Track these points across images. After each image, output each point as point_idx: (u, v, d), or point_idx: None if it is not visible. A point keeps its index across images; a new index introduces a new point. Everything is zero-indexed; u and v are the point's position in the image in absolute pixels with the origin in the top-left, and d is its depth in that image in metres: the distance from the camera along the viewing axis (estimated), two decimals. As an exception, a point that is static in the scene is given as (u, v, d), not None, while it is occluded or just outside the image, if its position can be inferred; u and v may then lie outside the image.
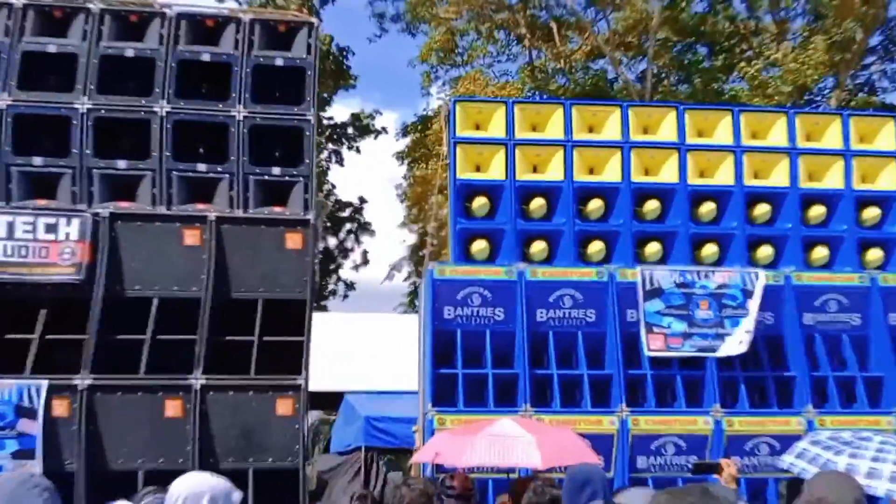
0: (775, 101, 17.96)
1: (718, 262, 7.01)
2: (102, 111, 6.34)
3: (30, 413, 5.56)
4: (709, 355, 6.52)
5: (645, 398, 6.42)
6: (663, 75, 22.83)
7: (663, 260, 6.99)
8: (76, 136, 6.25)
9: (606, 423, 6.16)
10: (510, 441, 4.73)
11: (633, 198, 7.02)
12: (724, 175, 7.16)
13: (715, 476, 5.43)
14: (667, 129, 7.20)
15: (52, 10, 6.55)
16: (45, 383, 5.63)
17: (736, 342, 6.54)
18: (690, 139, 7.19)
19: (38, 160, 6.22)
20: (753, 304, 6.65)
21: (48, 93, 6.41)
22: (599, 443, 6.06)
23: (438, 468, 5.54)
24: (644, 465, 6.17)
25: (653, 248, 6.98)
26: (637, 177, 7.05)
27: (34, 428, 5.54)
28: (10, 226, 5.91)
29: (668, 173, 7.12)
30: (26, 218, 5.96)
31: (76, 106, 6.30)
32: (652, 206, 7.04)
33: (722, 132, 7.25)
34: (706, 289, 6.66)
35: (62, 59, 6.44)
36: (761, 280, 6.71)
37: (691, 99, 20.12)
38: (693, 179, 7.10)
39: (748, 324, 6.60)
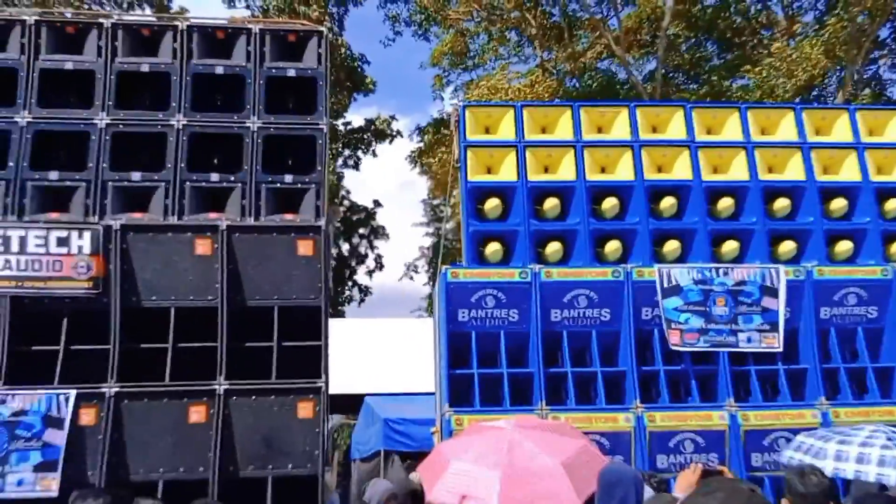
0: (780, 99, 17.91)
1: (739, 258, 7.00)
2: (120, 126, 6.46)
3: (57, 423, 5.66)
4: (722, 350, 6.54)
5: (658, 394, 6.44)
6: (671, 75, 22.80)
7: (683, 257, 6.99)
8: (94, 150, 6.36)
9: (622, 421, 6.18)
10: (473, 479, 4.51)
11: (648, 195, 7.03)
12: (737, 171, 7.16)
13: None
14: (675, 127, 7.22)
15: (65, 27, 6.66)
16: (73, 392, 5.75)
17: (762, 338, 6.58)
18: (700, 137, 7.21)
19: (53, 174, 6.33)
20: (779, 300, 6.64)
21: (68, 109, 6.53)
22: (617, 441, 6.11)
23: None
24: (664, 465, 6.15)
25: (671, 246, 6.98)
26: (650, 175, 7.07)
27: (59, 438, 5.64)
28: (23, 240, 5.99)
29: (680, 171, 7.13)
30: (38, 232, 6.03)
31: (95, 122, 6.42)
32: (668, 203, 7.05)
33: (731, 130, 7.26)
34: (724, 285, 6.66)
35: (80, 76, 6.56)
36: (783, 276, 6.71)
37: (700, 98, 20.07)
38: (707, 176, 7.11)
39: (780, 319, 6.60)
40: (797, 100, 18.37)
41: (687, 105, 7.40)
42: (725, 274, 6.70)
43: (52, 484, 5.53)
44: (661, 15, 20.76)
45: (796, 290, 6.71)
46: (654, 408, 6.28)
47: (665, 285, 6.62)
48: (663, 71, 21.77)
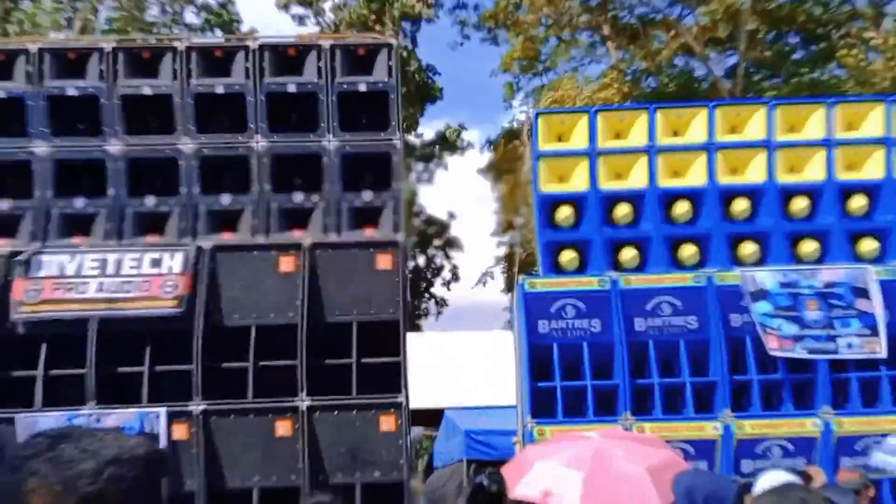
0: (877, 88, 17.20)
1: (820, 259, 6.77)
2: (205, 151, 6.65)
3: (153, 439, 5.88)
4: (820, 357, 6.30)
5: (750, 403, 6.27)
6: (752, 70, 22.20)
7: (761, 260, 6.80)
8: (183, 175, 6.58)
9: (709, 429, 6.04)
10: (556, 477, 4.52)
11: (721, 199, 6.88)
12: (816, 170, 6.91)
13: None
14: (755, 127, 7.03)
15: (140, 52, 6.87)
16: (163, 410, 5.96)
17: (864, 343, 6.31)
18: (781, 135, 6.97)
19: (150, 200, 6.57)
20: (873, 302, 6.37)
21: (152, 135, 6.74)
22: (701, 448, 5.99)
23: None
24: (749, 469, 5.99)
25: (749, 249, 6.80)
26: (724, 178, 6.90)
27: (158, 453, 5.85)
28: (119, 263, 6.24)
29: (755, 173, 6.94)
30: (134, 255, 6.28)
31: (180, 147, 6.62)
32: (741, 207, 6.88)
33: (814, 126, 7.01)
34: (813, 288, 6.44)
35: (157, 100, 6.75)
36: (871, 276, 6.43)
37: (783, 92, 19.50)
38: (783, 176, 6.88)
39: (879, 323, 6.33)
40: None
41: (769, 102, 7.19)
42: (812, 276, 6.48)
43: None
44: (736, 12, 20.27)
45: (890, 290, 6.42)
46: (744, 416, 6.12)
47: (752, 290, 6.44)
48: (745, 65, 21.24)
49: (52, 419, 5.84)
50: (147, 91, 6.72)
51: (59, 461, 1.28)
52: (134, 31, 20.31)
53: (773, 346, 6.30)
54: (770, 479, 3.99)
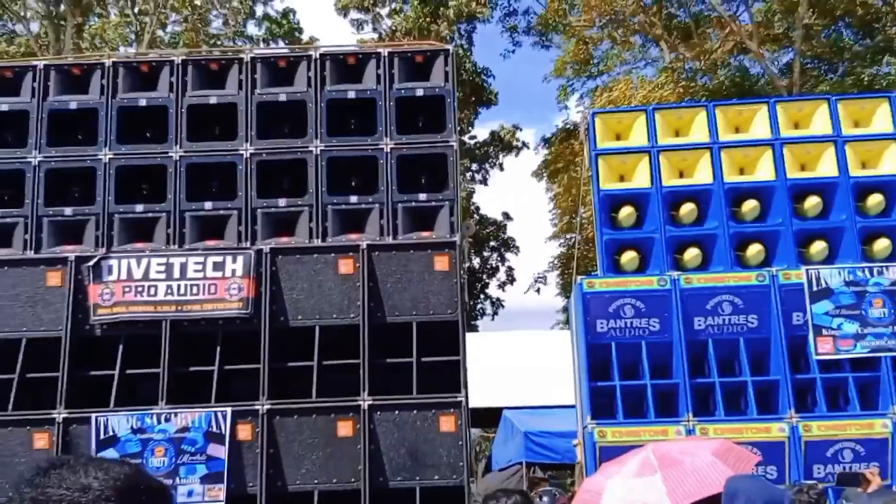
0: None
1: (893, 257, 6.59)
2: (263, 155, 6.78)
3: (218, 438, 6.00)
4: (882, 355, 6.15)
5: (815, 403, 6.13)
6: (809, 65, 21.72)
7: (830, 258, 6.65)
8: (241, 180, 6.73)
9: (775, 431, 5.92)
10: (633, 487, 4.59)
11: (790, 195, 6.74)
12: (888, 164, 6.75)
13: (859, 490, 5.14)
14: (819, 122, 6.88)
15: (208, 64, 7.07)
16: (229, 409, 6.08)
17: None
18: (847, 130, 6.83)
19: (208, 205, 6.72)
20: None
21: (213, 142, 6.92)
22: (770, 451, 5.87)
23: None
24: (821, 475, 5.88)
25: (818, 247, 6.65)
26: (792, 173, 6.77)
27: (221, 452, 5.98)
28: (184, 266, 6.39)
29: (826, 167, 6.78)
30: (197, 258, 6.42)
31: (240, 152, 6.77)
32: (812, 203, 6.73)
33: (881, 120, 6.85)
34: (880, 286, 6.29)
35: (223, 109, 6.92)
36: None
37: (844, 89, 19.04)
38: (855, 171, 6.73)
39: None
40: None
41: (831, 98, 7.03)
42: (880, 273, 6.31)
43: (219, 494, 5.88)
44: (792, 6, 19.86)
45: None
46: (810, 417, 5.99)
47: (814, 288, 6.30)
48: (801, 63, 20.79)
49: (123, 418, 6.03)
50: (213, 100, 6.92)
51: (37, 486, 1.44)
52: (198, 43, 20.75)
53: (824, 349, 6.18)
54: None
